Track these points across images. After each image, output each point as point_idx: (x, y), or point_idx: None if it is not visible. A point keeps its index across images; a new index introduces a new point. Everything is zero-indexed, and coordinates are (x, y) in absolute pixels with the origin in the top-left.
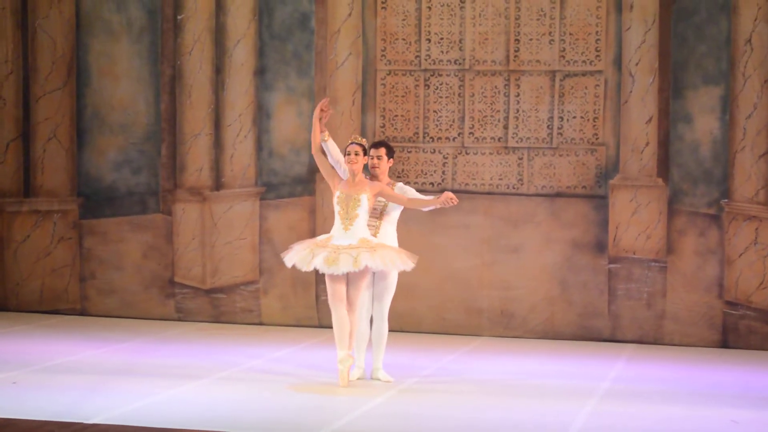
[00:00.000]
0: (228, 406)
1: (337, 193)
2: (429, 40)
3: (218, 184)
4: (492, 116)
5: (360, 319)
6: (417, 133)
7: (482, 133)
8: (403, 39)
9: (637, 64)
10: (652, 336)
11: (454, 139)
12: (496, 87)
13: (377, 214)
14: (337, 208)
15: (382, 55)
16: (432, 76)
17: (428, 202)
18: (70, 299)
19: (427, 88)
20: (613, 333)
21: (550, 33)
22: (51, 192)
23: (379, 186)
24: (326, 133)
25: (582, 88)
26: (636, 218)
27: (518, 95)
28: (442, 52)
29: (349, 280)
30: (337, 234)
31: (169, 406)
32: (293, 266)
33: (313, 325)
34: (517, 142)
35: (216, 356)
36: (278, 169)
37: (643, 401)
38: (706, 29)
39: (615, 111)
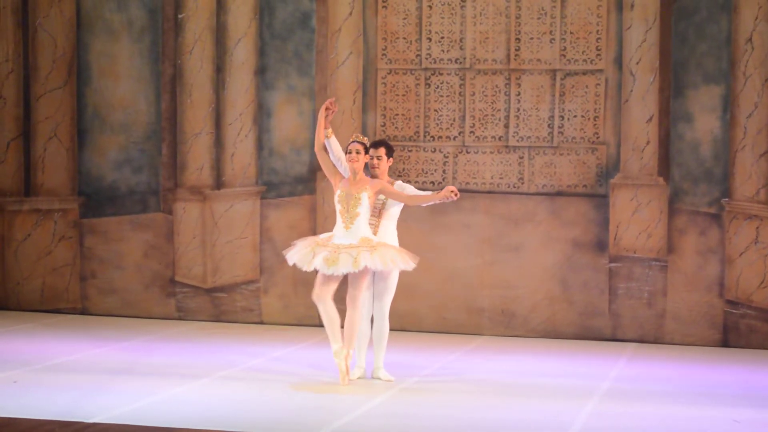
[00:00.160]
0: (228, 405)
1: (338, 192)
2: (430, 39)
3: (219, 183)
4: (493, 115)
5: (361, 318)
6: (418, 132)
7: (483, 132)
8: (404, 38)
9: (637, 63)
10: (652, 335)
11: (454, 138)
12: (496, 86)
13: (376, 212)
14: (338, 207)
15: (383, 54)
16: (433, 75)
17: (429, 197)
18: (70, 298)
19: (427, 87)
20: (614, 332)
21: (550, 32)
22: (52, 191)
23: (380, 183)
24: (329, 130)
25: (583, 87)
26: (637, 217)
27: (519, 94)
28: (443, 51)
29: (350, 279)
30: (339, 232)
31: (169, 406)
32: (294, 265)
33: (313, 325)
34: (517, 141)
35: (216, 355)
36: (279, 168)
37: (644, 401)
38: (707, 28)
39: (616, 110)
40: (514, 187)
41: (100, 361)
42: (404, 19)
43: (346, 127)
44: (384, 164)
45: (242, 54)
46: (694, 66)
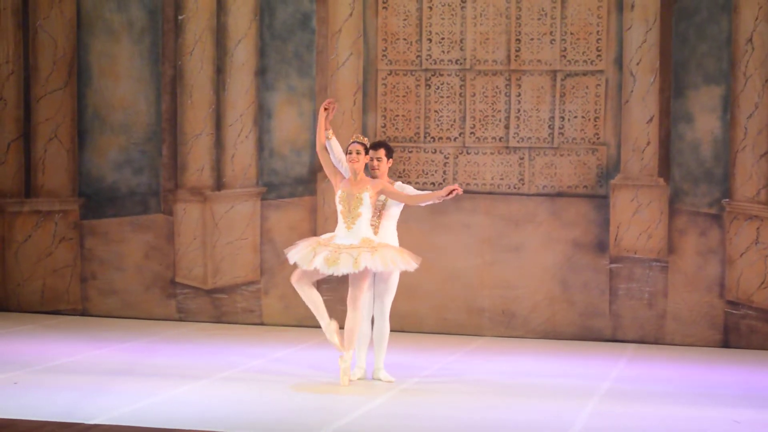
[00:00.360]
0: (229, 406)
1: (338, 192)
2: (430, 40)
3: (219, 184)
4: (493, 116)
5: (362, 319)
6: (418, 133)
7: (483, 132)
8: (404, 39)
9: (638, 64)
10: (653, 336)
11: (455, 139)
12: (497, 87)
13: (377, 212)
14: (339, 207)
15: (383, 55)
16: (433, 75)
17: (430, 195)
18: (71, 299)
19: (428, 87)
20: (615, 333)
21: (551, 33)
22: (52, 192)
23: (381, 184)
24: (330, 131)
25: (583, 87)
26: (637, 218)
27: (519, 95)
28: (443, 51)
29: (351, 280)
30: (340, 233)
31: (170, 407)
32: (294, 264)
33: (314, 326)
34: (518, 141)
35: (217, 356)
36: (279, 169)
37: (645, 401)
38: (707, 29)
39: (616, 111)
40: (515, 187)
41: (101, 362)
42: (404, 20)
43: (346, 128)
44: (384, 165)
45: (242, 55)
46: (695, 66)
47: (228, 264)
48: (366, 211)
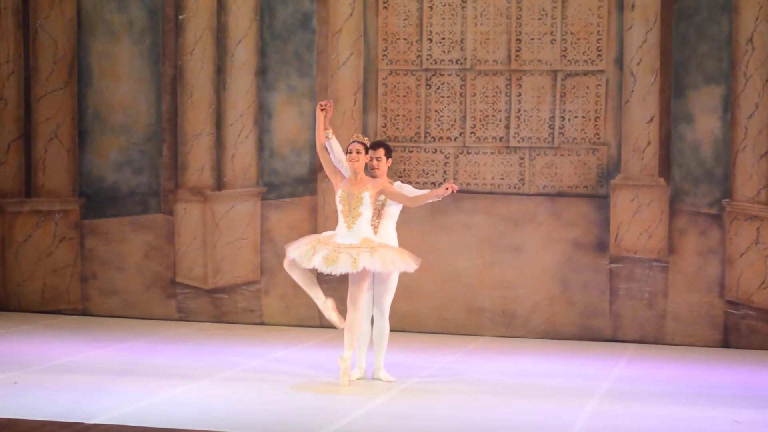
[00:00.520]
0: (229, 406)
1: (339, 192)
2: (430, 40)
3: (219, 184)
4: (493, 116)
5: (362, 319)
6: (418, 133)
7: (484, 132)
8: (405, 39)
9: (638, 64)
10: (653, 336)
11: (455, 139)
12: (497, 87)
13: (376, 212)
14: (339, 207)
15: (384, 55)
16: (433, 75)
17: (428, 195)
18: (71, 299)
19: (428, 87)
20: (615, 333)
21: (551, 32)
22: (52, 192)
23: (382, 184)
24: (330, 130)
25: (583, 87)
26: (637, 218)
27: (520, 95)
28: (444, 51)
29: (351, 280)
30: (341, 232)
31: (170, 407)
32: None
33: (314, 325)
34: (518, 141)
35: (217, 356)
36: (279, 169)
37: (645, 401)
38: (708, 29)
39: (616, 111)
40: (515, 187)
41: (101, 362)
42: (405, 19)
43: (346, 128)
44: (383, 165)
45: (243, 55)
46: (695, 66)
47: (228, 264)
48: (366, 211)
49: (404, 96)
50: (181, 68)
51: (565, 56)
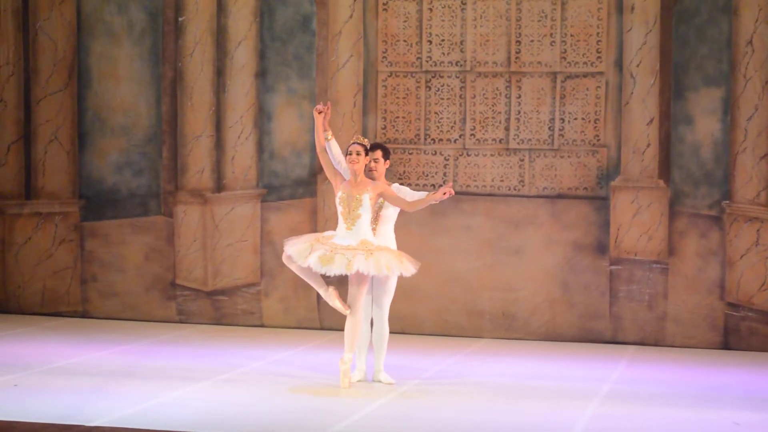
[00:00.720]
0: (229, 408)
1: (339, 193)
2: (430, 42)
3: (219, 186)
4: (493, 118)
5: (361, 321)
6: (418, 135)
7: (483, 134)
8: (405, 41)
9: (638, 66)
10: (653, 338)
11: (455, 141)
12: (497, 88)
13: (374, 214)
14: (339, 208)
15: (384, 57)
16: (433, 77)
17: (426, 200)
18: (71, 301)
19: (428, 89)
20: (615, 335)
21: (551, 34)
22: (52, 194)
23: (382, 187)
24: (329, 132)
25: (583, 89)
26: (637, 220)
27: (519, 97)
28: (444, 53)
29: (351, 282)
30: (340, 233)
31: (170, 409)
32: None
33: (314, 327)
34: (518, 143)
35: (217, 358)
36: (279, 171)
37: (645, 403)
38: (707, 31)
39: (616, 112)
40: (515, 189)
41: (101, 364)
42: (405, 21)
43: (346, 130)
44: (381, 166)
45: (242, 57)
46: (695, 68)
47: (228, 266)
48: (365, 213)
49: (404, 98)
50: (181, 70)
51: (564, 58)
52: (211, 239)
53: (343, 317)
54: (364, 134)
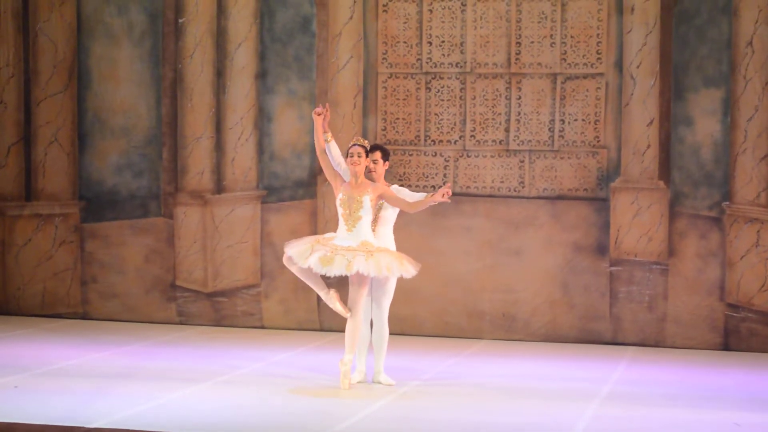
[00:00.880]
0: (229, 409)
1: (339, 195)
2: (430, 43)
3: (219, 188)
4: (493, 119)
5: (361, 322)
6: (418, 136)
7: (483, 135)
8: (405, 42)
9: (638, 67)
10: (653, 339)
11: (455, 142)
12: (497, 90)
13: (374, 216)
14: (340, 210)
15: (384, 58)
16: (433, 79)
17: (426, 201)
18: (71, 303)
19: (428, 91)
20: (615, 336)
21: (551, 36)
22: (52, 196)
23: (382, 188)
24: (329, 134)
25: (583, 90)
26: (637, 221)
27: (519, 98)
28: (444, 55)
29: (351, 284)
30: (341, 234)
31: (170, 410)
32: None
33: (314, 329)
34: (518, 144)
35: (217, 360)
36: (279, 172)
37: (645, 404)
38: (707, 32)
39: (616, 113)
40: (515, 190)
41: (101, 365)
42: (405, 23)
43: (347, 131)
44: (381, 168)
45: (243, 58)
46: (695, 69)
47: (228, 267)
48: (366, 215)
49: (404, 99)
50: (181, 71)
51: (564, 59)
52: (211, 241)
53: (343, 319)
54: (364, 135)
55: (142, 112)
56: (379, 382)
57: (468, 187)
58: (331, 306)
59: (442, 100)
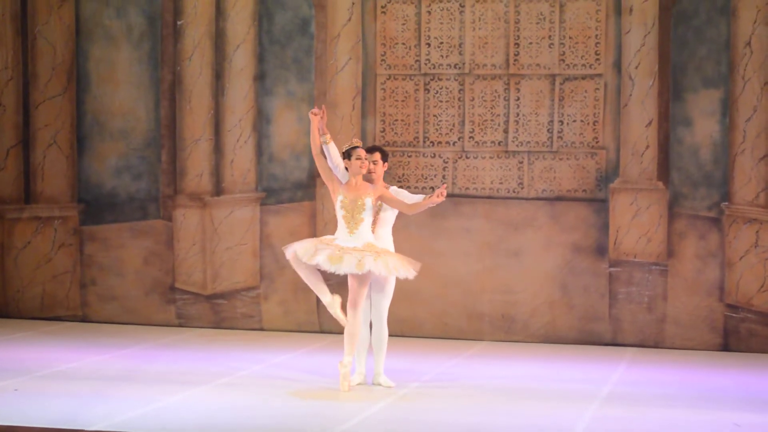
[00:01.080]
0: (229, 412)
1: (340, 197)
2: (429, 45)
3: (218, 190)
4: (492, 120)
5: (361, 324)
6: (417, 138)
7: (482, 137)
8: (403, 43)
9: (636, 68)
10: (653, 339)
11: (454, 144)
12: (496, 91)
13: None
14: (341, 213)
15: (382, 60)
16: (432, 80)
17: (424, 203)
18: (70, 306)
19: (427, 92)
20: (614, 337)
21: (549, 37)
22: (51, 198)
23: (381, 190)
24: (327, 135)
25: (582, 91)
26: (636, 221)
27: (518, 99)
28: (442, 56)
29: (351, 285)
30: (342, 236)
31: (170, 413)
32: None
33: (314, 331)
34: (517, 145)
35: (217, 362)
36: (278, 174)
37: (645, 405)
38: (706, 32)
39: (615, 114)
40: (514, 192)
41: (101, 368)
42: (403, 24)
43: (345, 133)
44: (380, 169)
45: (241, 60)
46: (693, 70)
47: (227, 269)
48: (368, 217)
49: (403, 101)
50: (180, 74)
51: (563, 60)
52: (210, 243)
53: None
54: (363, 137)
55: (140, 114)
56: (379, 384)
57: (467, 188)
58: (330, 311)
59: (441, 102)
